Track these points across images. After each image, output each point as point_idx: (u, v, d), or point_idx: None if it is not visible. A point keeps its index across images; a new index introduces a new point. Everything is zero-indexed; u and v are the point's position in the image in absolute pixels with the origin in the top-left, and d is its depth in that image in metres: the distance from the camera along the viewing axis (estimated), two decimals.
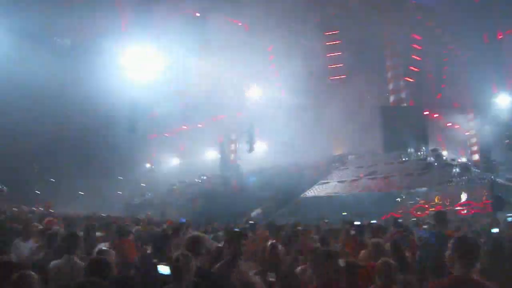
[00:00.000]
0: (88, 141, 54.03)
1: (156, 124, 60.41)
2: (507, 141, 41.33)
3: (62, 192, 44.64)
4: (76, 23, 49.38)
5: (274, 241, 7.82)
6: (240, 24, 61.00)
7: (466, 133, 57.07)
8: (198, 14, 58.94)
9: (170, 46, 51.64)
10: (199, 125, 63.70)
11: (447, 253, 4.64)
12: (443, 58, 58.32)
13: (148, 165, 67.03)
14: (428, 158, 42.25)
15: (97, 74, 46.89)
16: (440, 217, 8.73)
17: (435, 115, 57.15)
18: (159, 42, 53.01)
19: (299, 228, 14.64)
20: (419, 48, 57.72)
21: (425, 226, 15.68)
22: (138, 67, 50.39)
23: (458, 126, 57.67)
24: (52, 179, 53.01)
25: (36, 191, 49.01)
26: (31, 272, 4.74)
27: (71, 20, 48.43)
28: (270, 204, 39.72)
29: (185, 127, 64.25)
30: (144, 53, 50.59)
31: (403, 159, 44.39)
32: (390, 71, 57.25)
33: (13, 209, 24.82)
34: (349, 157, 51.05)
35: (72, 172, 50.64)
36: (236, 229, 9.67)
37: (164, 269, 5.50)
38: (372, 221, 19.59)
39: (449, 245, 4.66)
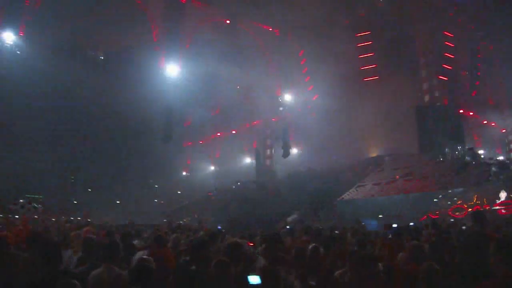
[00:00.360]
0: (124, 149, 55.07)
1: (191, 132, 61.22)
2: None
3: (99, 201, 45.45)
4: (108, 36, 50.62)
5: (314, 244, 7.97)
6: (270, 29, 61.42)
7: (503, 131, 56.24)
8: (228, 22, 59.44)
9: (203, 54, 52.29)
10: (233, 132, 64.22)
11: (491, 254, 4.47)
12: (476, 55, 57.52)
13: (183, 173, 67.77)
14: (465, 158, 41.77)
15: (133, 84, 47.92)
16: (479, 216, 8.51)
17: (470, 113, 56.37)
18: (191, 50, 53.95)
19: (336, 232, 14.87)
20: (451, 45, 57.09)
21: (464, 227, 15.56)
22: (172, 76, 51.42)
23: (494, 124, 56.84)
24: (89, 189, 54.03)
25: (74, 201, 50.03)
26: (74, 281, 4.92)
27: (102, 33, 49.75)
28: (306, 208, 39.76)
29: (219, 134, 64.84)
30: (177, 62, 51.58)
31: (440, 159, 44.01)
32: (423, 70, 56.79)
33: (52, 219, 25.53)
34: (385, 158, 50.75)
35: (109, 180, 51.69)
36: (272, 234, 9.70)
37: (254, 279, 5.30)
38: (410, 224, 19.69)
39: (492, 246, 4.48)
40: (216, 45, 55.70)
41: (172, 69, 52.24)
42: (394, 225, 15.11)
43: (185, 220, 45.48)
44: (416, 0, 54.61)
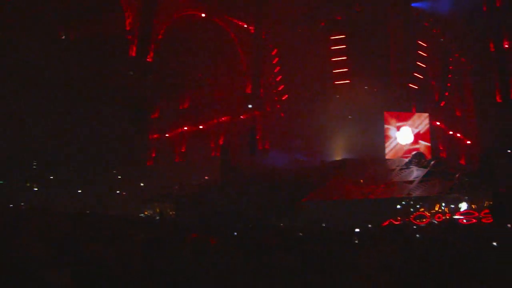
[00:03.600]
0: (87, 138, 53.72)
1: (158, 124, 60.41)
2: (509, 150, 41.26)
3: (59, 189, 44.42)
4: (81, 20, 49.58)
5: None
6: (245, 26, 60.94)
7: (468, 142, 56.91)
8: (204, 15, 58.67)
9: (176, 46, 51.71)
10: (201, 127, 63.52)
11: None
12: (448, 66, 58.02)
13: (148, 165, 66.58)
14: (430, 166, 41.97)
15: (101, 72, 46.93)
16: None
17: (437, 123, 56.88)
18: (164, 42, 53.21)
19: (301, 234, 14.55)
20: (424, 55, 57.42)
21: None
22: (143, 66, 50.57)
23: (460, 135, 57.55)
24: (51, 176, 52.80)
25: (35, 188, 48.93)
26: None
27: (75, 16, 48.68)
28: (270, 208, 39.31)
29: (186, 128, 64.04)
30: (148, 53, 50.77)
31: (404, 166, 44.18)
32: (395, 77, 56.93)
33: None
34: (351, 162, 50.62)
35: (71, 170, 50.55)
36: None
37: None
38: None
39: None
40: (189, 38, 55.00)
41: (143, 59, 51.23)
42: (357, 230, 15.04)
43: (146, 213, 44.86)
44: (393, 8, 54.82)
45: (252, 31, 61.18)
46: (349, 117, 52.26)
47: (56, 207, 36.08)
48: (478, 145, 55.09)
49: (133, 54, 51.55)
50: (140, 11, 52.98)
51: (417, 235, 15.00)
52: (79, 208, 34.65)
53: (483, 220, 28.21)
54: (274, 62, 62.01)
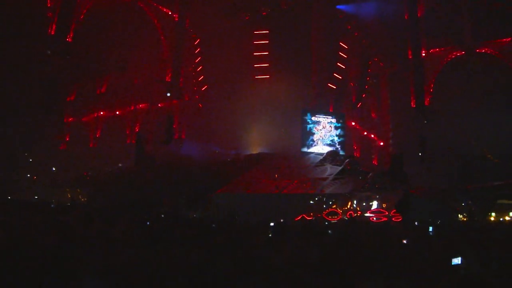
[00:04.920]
0: None
1: (74, 108, 58.47)
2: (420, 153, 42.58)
3: None
4: None
5: None
6: (170, 13, 59.70)
7: (381, 143, 58.47)
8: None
9: (97, 28, 49.94)
10: (117, 112, 61.78)
11: None
12: (367, 69, 59.29)
13: (62, 149, 64.04)
14: (344, 165, 42.58)
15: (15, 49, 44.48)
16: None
17: (352, 123, 58.09)
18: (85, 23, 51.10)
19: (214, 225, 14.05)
20: (345, 56, 58.38)
21: None
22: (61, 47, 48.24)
23: (374, 136, 59.08)
24: None
25: None
26: None
27: None
28: (183, 199, 38.71)
29: (102, 113, 62.02)
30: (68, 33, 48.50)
31: (319, 163, 44.67)
32: (315, 76, 57.41)
33: None
34: (267, 156, 50.72)
35: None
36: None
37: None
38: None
39: None
40: (111, 20, 53.23)
41: (61, 39, 48.82)
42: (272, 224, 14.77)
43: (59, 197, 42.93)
44: (318, 8, 55.38)
45: (176, 19, 60.02)
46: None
47: None
48: (391, 147, 56.78)
49: (52, 32, 49.04)
50: None
51: (329, 231, 14.76)
52: None
53: (393, 219, 28.83)
54: (196, 52, 61.29)
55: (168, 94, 59.52)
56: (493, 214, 32.20)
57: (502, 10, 48.59)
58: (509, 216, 32.48)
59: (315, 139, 50.75)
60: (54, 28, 48.69)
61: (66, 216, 13.24)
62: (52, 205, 26.48)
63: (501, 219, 31.90)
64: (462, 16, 50.65)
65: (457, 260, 7.14)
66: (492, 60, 50.07)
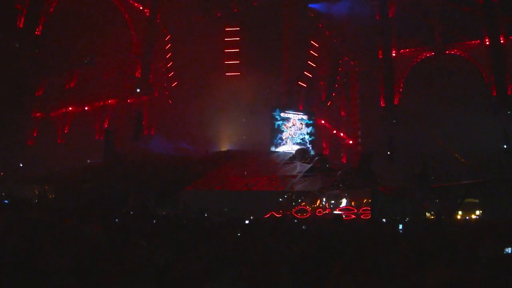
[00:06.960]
0: None
1: (42, 103, 57.63)
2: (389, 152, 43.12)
3: None
4: None
5: None
6: (141, 8, 59.27)
7: (350, 142, 58.98)
8: None
9: (66, 21, 49.19)
10: (86, 108, 61.07)
11: None
12: (337, 67, 59.72)
13: (29, 145, 62.93)
14: (313, 162, 42.74)
15: None
16: None
17: (322, 122, 58.43)
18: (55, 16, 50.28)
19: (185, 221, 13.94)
20: (315, 55, 58.61)
21: None
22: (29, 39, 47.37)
23: (343, 134, 59.59)
24: None
25: None
26: None
27: None
28: (151, 195, 38.36)
29: (71, 108, 61.23)
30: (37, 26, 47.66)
31: (289, 161, 44.79)
32: (285, 74, 57.54)
33: None
34: (236, 154, 50.64)
35: None
36: None
37: None
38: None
39: None
40: (81, 14, 52.49)
41: (30, 32, 47.90)
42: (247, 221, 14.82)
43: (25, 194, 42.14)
44: (289, 6, 55.48)
45: (147, 14, 59.57)
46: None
47: None
48: (359, 145, 57.40)
49: (21, 25, 48.08)
50: None
51: (303, 227, 14.85)
52: None
53: (362, 217, 29.15)
54: (166, 48, 61.03)
55: (138, 90, 59.11)
56: (460, 212, 32.74)
57: (471, 13, 49.65)
58: (475, 215, 33.11)
59: (284, 138, 50.91)
60: (22, 20, 47.79)
61: (33, 213, 13.03)
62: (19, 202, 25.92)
63: (467, 217, 32.48)
64: (432, 18, 51.41)
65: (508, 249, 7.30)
66: (461, 61, 50.95)
